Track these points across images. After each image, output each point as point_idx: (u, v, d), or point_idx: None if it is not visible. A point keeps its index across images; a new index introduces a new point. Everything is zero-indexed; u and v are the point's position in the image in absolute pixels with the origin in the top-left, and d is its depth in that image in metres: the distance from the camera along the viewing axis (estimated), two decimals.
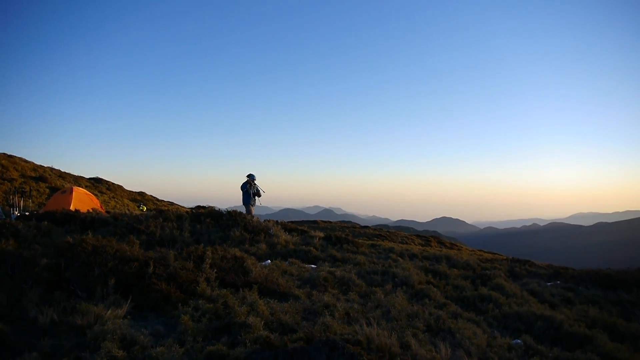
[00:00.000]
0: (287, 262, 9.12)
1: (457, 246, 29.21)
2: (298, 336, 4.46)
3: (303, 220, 35.32)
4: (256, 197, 15.46)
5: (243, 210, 15.51)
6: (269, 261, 8.93)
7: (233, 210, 12.92)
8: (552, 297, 8.99)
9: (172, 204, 39.63)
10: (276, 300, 5.90)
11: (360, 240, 13.51)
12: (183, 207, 35.68)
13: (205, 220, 12.03)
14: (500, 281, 9.27)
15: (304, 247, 10.85)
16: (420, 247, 22.77)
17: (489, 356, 5.00)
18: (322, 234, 12.82)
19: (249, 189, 15.28)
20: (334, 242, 12.12)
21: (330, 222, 36.66)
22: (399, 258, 11.11)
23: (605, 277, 11.58)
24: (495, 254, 26.44)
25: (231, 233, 11.17)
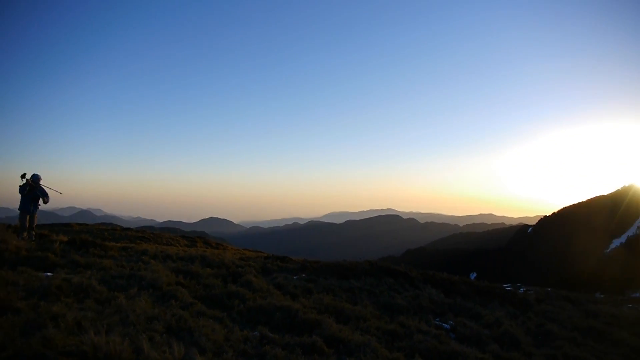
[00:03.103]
0: (14, 272, 7.85)
1: (222, 246, 29.76)
2: (7, 354, 3.88)
3: (54, 224, 30.75)
4: (39, 204, 12.11)
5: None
6: None
7: None
8: (295, 289, 9.97)
9: None
10: None
11: (110, 244, 12.49)
12: None
13: None
14: (249, 277, 9.83)
15: (40, 253, 9.48)
16: (186, 248, 22.46)
17: (224, 350, 5.22)
18: (65, 238, 11.45)
19: (33, 192, 11.88)
20: (79, 247, 10.92)
21: (87, 224, 32.97)
22: (151, 260, 10.69)
23: (340, 267, 13.49)
24: (258, 251, 27.92)
25: None
